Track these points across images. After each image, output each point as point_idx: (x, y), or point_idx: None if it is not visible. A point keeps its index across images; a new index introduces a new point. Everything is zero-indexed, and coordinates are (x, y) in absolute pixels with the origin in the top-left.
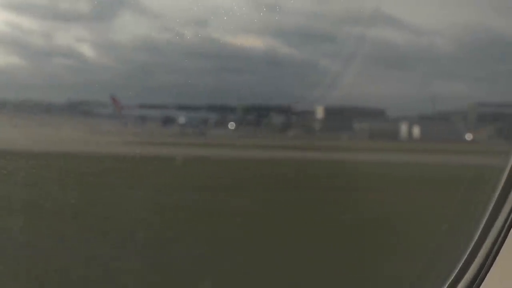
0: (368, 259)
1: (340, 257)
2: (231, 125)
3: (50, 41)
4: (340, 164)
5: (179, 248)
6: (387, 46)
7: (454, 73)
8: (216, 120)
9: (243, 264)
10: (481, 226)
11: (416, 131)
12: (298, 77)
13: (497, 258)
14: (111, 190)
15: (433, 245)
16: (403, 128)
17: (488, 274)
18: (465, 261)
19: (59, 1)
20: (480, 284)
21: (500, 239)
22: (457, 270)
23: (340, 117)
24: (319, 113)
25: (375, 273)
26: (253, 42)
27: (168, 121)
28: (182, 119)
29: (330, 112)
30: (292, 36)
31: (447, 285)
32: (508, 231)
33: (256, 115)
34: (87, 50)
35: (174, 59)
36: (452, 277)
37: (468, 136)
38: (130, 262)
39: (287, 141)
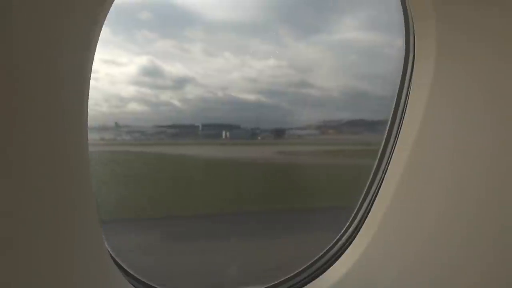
0: None
1: None
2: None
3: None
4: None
5: None
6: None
7: None
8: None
9: None
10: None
11: None
12: (271, 112)
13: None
14: None
15: None
16: None
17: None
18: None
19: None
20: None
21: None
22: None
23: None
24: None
25: None
26: (248, 96)
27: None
28: (224, 133)
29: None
30: (266, 93)
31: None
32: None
33: (257, 131)
34: (176, 103)
35: (213, 105)
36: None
37: None
38: None
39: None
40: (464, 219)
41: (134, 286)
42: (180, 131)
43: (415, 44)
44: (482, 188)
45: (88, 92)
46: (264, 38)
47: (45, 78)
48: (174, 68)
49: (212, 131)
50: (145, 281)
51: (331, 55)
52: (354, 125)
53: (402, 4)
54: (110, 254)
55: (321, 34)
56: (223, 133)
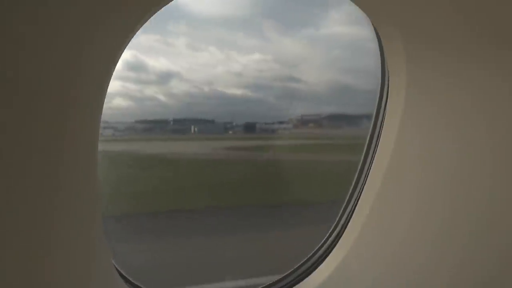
0: None
1: None
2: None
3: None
4: None
5: None
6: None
7: None
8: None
9: None
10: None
11: None
12: (256, 107)
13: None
14: None
15: None
16: None
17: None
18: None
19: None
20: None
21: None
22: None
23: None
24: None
25: None
26: (235, 91)
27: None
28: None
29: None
30: (251, 87)
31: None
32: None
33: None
34: (162, 98)
35: (200, 100)
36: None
37: None
38: None
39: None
40: (436, 222)
41: None
42: (151, 126)
43: (389, 79)
44: (451, 193)
45: (104, 97)
46: (249, 33)
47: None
48: (158, 63)
49: (182, 126)
50: None
51: (316, 50)
52: (334, 119)
53: (379, 45)
54: (117, 269)
55: (307, 29)
56: (192, 128)
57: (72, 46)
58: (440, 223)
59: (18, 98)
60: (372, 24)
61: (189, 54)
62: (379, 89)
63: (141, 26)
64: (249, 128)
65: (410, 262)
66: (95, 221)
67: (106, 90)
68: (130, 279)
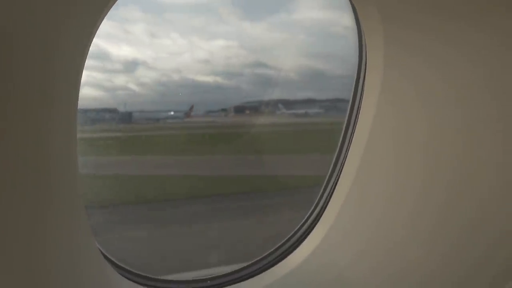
0: None
1: None
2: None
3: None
4: None
5: None
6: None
7: None
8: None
9: None
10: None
11: None
12: (227, 93)
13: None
14: None
15: None
16: None
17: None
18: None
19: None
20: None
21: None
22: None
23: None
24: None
25: None
26: (206, 78)
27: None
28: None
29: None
30: (222, 74)
31: None
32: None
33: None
34: (134, 87)
35: (172, 89)
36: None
37: None
38: None
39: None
40: (412, 195)
41: (125, 277)
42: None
43: (367, 55)
44: (425, 169)
45: (78, 94)
46: (208, 18)
47: (38, 79)
48: (122, 51)
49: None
50: (135, 271)
51: (286, 35)
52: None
53: (355, 18)
54: (100, 250)
55: (278, 14)
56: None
57: (46, 28)
58: (415, 196)
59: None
60: (350, 2)
61: (150, 41)
62: (356, 70)
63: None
64: (124, 118)
65: (389, 235)
66: (77, 210)
67: (80, 81)
68: (115, 260)
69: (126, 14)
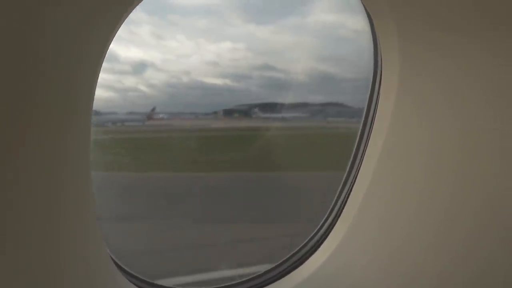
0: None
1: None
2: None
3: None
4: None
5: None
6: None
7: None
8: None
9: None
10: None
11: None
12: (238, 95)
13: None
14: None
15: None
16: None
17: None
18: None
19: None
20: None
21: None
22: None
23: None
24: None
25: None
26: (216, 80)
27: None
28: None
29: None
30: (231, 76)
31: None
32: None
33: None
34: (144, 88)
35: (182, 91)
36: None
37: None
38: None
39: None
40: (435, 207)
41: (135, 285)
42: None
43: (382, 57)
44: (455, 176)
45: (93, 98)
46: (216, 20)
47: (58, 85)
48: (130, 53)
49: None
50: (146, 279)
51: (297, 38)
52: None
53: (368, 19)
54: (110, 255)
55: (289, 18)
56: None
57: (64, 40)
58: (439, 208)
59: (10, 96)
60: (361, 2)
61: (157, 43)
62: (372, 75)
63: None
64: None
65: (404, 240)
66: (90, 221)
67: (96, 86)
68: (126, 268)
69: (131, 15)
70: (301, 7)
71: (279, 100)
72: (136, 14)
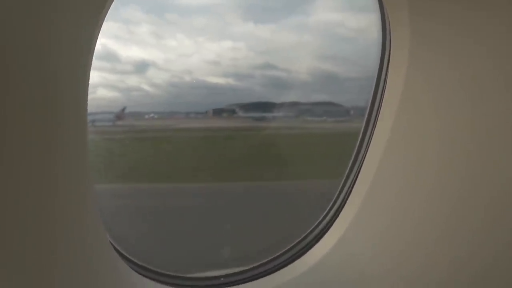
0: None
1: None
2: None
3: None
4: None
5: None
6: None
7: None
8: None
9: None
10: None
11: None
12: (240, 94)
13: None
14: None
15: None
16: None
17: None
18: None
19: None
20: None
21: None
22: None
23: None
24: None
25: None
26: (218, 80)
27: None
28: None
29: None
30: (233, 76)
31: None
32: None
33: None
34: (147, 88)
35: (185, 90)
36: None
37: None
38: None
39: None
40: (427, 197)
41: (136, 271)
42: None
43: (391, 33)
44: (441, 172)
45: (87, 89)
46: (213, 19)
47: (43, 75)
48: (130, 52)
49: None
50: (146, 266)
51: (299, 37)
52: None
53: (381, 14)
54: (112, 244)
55: (292, 17)
56: None
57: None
58: (433, 193)
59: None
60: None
61: (157, 42)
62: (379, 55)
63: None
64: None
65: (408, 232)
66: (89, 204)
67: (88, 81)
68: (126, 254)
69: (128, 14)
70: (304, 6)
71: (280, 99)
72: (133, 13)
